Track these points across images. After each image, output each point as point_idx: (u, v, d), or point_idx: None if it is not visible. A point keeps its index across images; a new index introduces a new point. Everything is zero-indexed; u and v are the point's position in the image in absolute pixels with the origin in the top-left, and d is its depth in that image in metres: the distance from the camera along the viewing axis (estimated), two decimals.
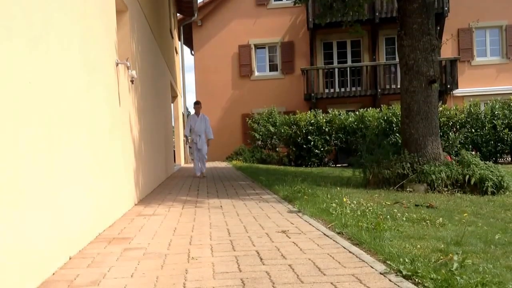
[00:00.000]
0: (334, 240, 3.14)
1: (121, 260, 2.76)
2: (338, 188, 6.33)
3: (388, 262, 2.49)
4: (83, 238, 3.15)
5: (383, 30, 17.76)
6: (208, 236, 3.43)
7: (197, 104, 9.76)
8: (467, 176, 6.40)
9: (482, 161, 6.92)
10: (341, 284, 2.17)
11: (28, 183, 2.24)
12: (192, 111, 10.12)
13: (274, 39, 18.60)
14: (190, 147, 10.18)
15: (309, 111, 14.82)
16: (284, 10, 18.36)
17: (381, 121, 13.20)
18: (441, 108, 12.78)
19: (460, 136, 12.00)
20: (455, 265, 2.34)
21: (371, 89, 17.15)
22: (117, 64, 4.57)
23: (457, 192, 6.35)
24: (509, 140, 12.87)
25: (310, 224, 3.81)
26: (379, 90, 16.94)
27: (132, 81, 5.28)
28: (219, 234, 3.49)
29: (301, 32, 18.49)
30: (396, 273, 2.32)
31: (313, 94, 17.09)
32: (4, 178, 1.98)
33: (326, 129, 13.96)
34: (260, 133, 15.61)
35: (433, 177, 6.41)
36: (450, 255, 2.54)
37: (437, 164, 6.61)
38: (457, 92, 17.16)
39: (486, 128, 12.92)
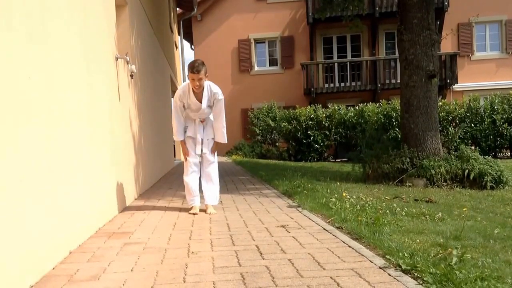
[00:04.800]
0: (333, 235, 3.15)
1: (121, 254, 2.76)
2: (338, 183, 6.34)
3: (387, 256, 2.49)
4: (83, 233, 3.15)
5: (383, 24, 17.72)
6: (208, 230, 3.44)
7: (195, 69, 4.02)
8: (466, 171, 6.41)
9: (481, 155, 6.93)
10: (341, 278, 2.18)
11: (28, 177, 2.24)
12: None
13: (274, 34, 18.56)
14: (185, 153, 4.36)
15: (309, 106, 14.82)
16: (284, 4, 18.30)
17: (381, 116, 13.20)
18: (440, 103, 12.79)
19: (460, 131, 12.00)
20: (454, 259, 2.34)
21: (370, 84, 17.14)
22: (116, 59, 4.56)
23: (456, 186, 6.37)
24: (508, 135, 12.88)
25: (309, 218, 3.82)
26: (379, 85, 16.93)
27: (131, 76, 5.27)
28: (219, 229, 3.50)
29: (301, 27, 18.44)
30: (395, 267, 2.33)
31: (312, 89, 17.08)
32: (4, 172, 1.98)
33: (326, 124, 13.96)
34: (260, 128, 15.61)
35: (433, 171, 6.42)
36: (449, 249, 2.55)
37: (436, 159, 6.62)
38: (456, 87, 17.15)
39: (486, 123, 12.92)
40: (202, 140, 4.32)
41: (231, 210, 4.43)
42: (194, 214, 4.18)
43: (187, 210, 4.38)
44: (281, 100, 17.68)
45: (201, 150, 4.32)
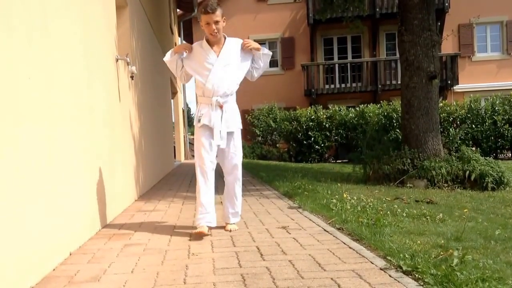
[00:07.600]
0: (334, 236, 3.15)
1: (122, 256, 2.76)
2: (339, 184, 6.33)
3: (388, 257, 2.49)
4: (83, 234, 3.15)
5: (384, 25, 17.71)
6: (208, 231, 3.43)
7: (209, 8, 3.11)
8: (467, 172, 6.39)
9: (482, 156, 6.91)
10: (341, 279, 2.17)
11: (28, 178, 2.24)
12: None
13: (274, 35, 18.55)
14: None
15: (310, 107, 14.80)
16: (284, 5, 18.29)
17: (381, 117, 13.18)
18: (441, 104, 12.76)
19: (461, 132, 11.99)
20: (455, 260, 2.33)
21: (371, 85, 17.13)
22: (117, 60, 4.56)
23: (457, 187, 6.35)
24: (509, 135, 12.85)
25: (310, 220, 3.82)
26: (380, 86, 16.92)
27: (132, 77, 5.27)
28: (219, 230, 3.49)
29: (302, 28, 18.44)
30: (396, 268, 2.32)
31: (313, 90, 17.07)
32: (4, 173, 1.98)
33: (327, 125, 13.94)
34: (261, 128, 15.60)
35: (433, 172, 6.40)
36: (450, 250, 2.54)
37: (437, 160, 6.61)
38: (457, 88, 17.13)
39: (487, 124, 12.89)
40: (220, 132, 3.33)
41: None
42: (203, 235, 3.17)
43: (187, 211, 4.37)
44: (281, 101, 17.66)
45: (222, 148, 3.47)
